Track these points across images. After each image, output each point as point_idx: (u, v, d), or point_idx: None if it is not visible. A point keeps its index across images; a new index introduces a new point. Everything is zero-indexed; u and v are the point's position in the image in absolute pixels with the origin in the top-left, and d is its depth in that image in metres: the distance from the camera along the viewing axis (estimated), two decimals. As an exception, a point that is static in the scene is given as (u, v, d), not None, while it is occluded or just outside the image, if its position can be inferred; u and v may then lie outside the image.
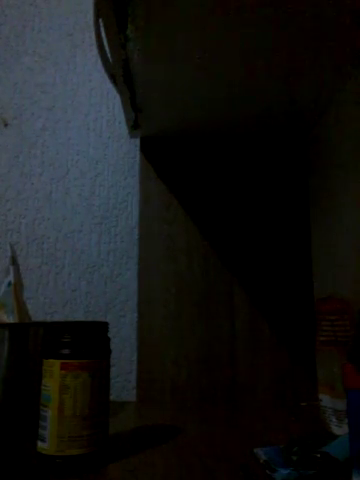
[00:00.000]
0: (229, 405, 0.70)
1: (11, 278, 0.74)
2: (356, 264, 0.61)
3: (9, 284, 0.73)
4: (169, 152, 0.81)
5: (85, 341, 0.44)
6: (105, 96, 0.88)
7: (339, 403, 0.51)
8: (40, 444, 0.42)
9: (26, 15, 0.91)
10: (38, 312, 0.78)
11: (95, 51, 0.83)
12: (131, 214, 0.83)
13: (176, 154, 0.81)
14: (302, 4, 0.46)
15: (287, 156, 0.82)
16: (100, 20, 0.47)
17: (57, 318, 0.78)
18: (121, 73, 0.57)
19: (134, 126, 0.76)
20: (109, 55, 0.54)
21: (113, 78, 0.59)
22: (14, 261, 0.78)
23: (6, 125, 0.86)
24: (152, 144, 0.82)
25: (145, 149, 0.82)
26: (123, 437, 0.52)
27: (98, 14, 0.47)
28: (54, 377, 0.42)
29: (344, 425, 0.50)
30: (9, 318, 0.68)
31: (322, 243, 0.74)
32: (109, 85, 0.83)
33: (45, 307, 0.79)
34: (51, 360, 0.43)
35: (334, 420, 0.51)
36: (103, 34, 0.51)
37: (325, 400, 0.54)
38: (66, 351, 0.43)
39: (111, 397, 0.73)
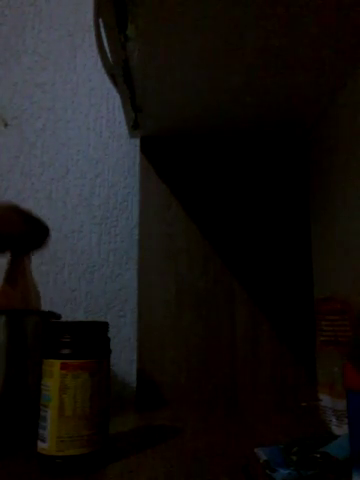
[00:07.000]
0: (229, 405, 0.70)
1: None
2: (356, 264, 0.61)
3: None
4: (169, 152, 0.81)
5: (85, 341, 0.44)
6: (105, 96, 0.88)
7: (339, 403, 0.51)
8: (40, 444, 0.42)
9: (26, 15, 0.91)
10: (38, 312, 0.78)
11: (95, 51, 0.83)
12: (131, 214, 0.83)
13: (176, 154, 0.81)
14: (303, 5, 0.46)
15: (287, 156, 0.82)
16: (100, 20, 0.48)
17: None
18: (121, 73, 0.57)
19: (134, 126, 0.76)
20: (109, 55, 0.54)
21: (113, 78, 0.59)
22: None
23: (6, 125, 0.86)
24: (152, 144, 0.81)
25: (145, 149, 0.81)
26: (123, 437, 0.52)
27: (98, 14, 0.47)
28: (54, 377, 0.42)
29: (344, 425, 0.50)
30: None
31: (322, 243, 0.74)
32: (109, 85, 0.83)
33: (45, 307, 0.79)
34: (51, 360, 0.43)
35: (334, 420, 0.51)
36: (103, 34, 0.51)
37: (325, 400, 0.54)
38: (66, 351, 0.43)
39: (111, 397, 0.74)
